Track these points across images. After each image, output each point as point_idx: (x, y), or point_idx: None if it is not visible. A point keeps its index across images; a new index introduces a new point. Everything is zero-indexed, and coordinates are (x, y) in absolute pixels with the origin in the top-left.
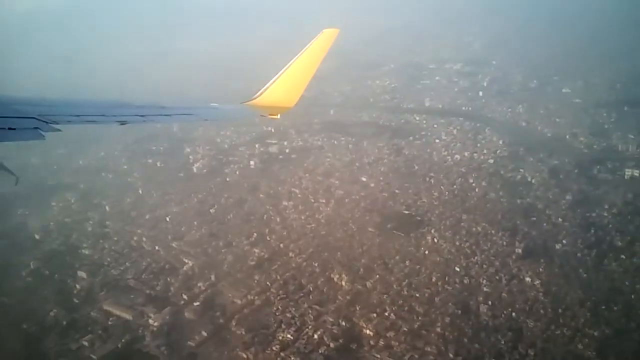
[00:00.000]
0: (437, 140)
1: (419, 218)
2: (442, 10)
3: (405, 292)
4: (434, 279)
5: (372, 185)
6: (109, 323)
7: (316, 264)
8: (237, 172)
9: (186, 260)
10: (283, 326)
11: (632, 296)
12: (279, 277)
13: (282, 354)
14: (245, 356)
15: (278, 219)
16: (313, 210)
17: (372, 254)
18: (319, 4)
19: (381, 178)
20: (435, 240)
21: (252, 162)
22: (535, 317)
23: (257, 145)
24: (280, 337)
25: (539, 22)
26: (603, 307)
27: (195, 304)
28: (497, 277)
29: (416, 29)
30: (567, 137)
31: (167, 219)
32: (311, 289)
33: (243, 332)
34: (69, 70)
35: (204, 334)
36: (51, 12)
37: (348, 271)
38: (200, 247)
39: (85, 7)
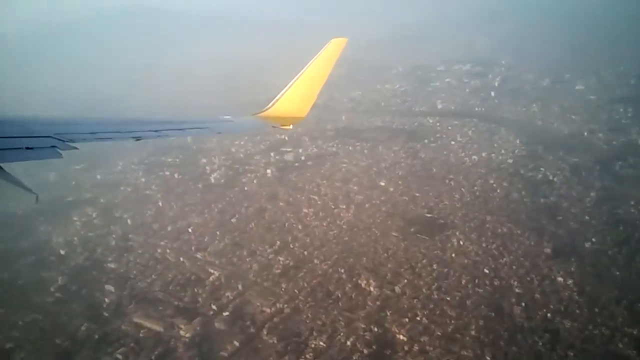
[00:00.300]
0: (453, 142)
1: (442, 221)
2: (446, 11)
3: (436, 296)
4: (463, 282)
5: (392, 189)
6: (141, 335)
7: (342, 270)
8: (255, 181)
9: (212, 271)
10: (315, 334)
11: None
12: (306, 285)
13: None
14: None
15: (300, 227)
16: (334, 217)
17: (398, 259)
18: (323, 10)
19: (400, 182)
20: (461, 242)
21: (268, 171)
22: (572, 317)
23: (272, 154)
24: (313, 345)
25: (545, 21)
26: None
27: (225, 313)
28: (528, 278)
29: (421, 31)
30: (585, 134)
31: (189, 230)
32: (339, 295)
33: (275, 341)
34: (78, 82)
35: (236, 343)
36: (55, 26)
37: (375, 276)
38: (225, 257)
39: (87, 21)
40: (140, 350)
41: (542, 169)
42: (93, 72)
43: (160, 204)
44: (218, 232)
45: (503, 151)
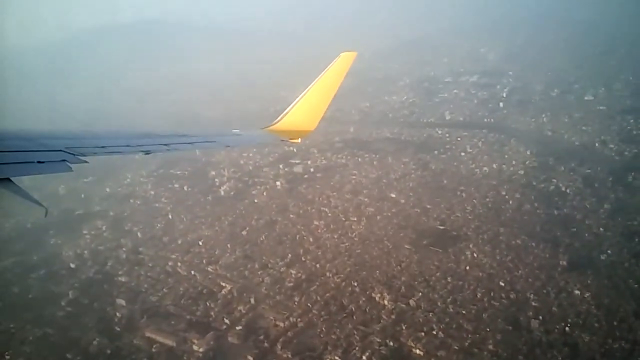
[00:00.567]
0: (463, 154)
1: (455, 233)
2: (452, 23)
3: (451, 310)
4: (479, 295)
5: (403, 201)
6: (153, 350)
7: (355, 284)
8: (265, 194)
9: (223, 284)
10: (329, 348)
11: None
12: (319, 298)
13: None
14: None
15: (311, 239)
16: (345, 229)
17: (412, 272)
18: (327, 23)
19: (411, 194)
20: (475, 255)
21: (278, 183)
22: (591, 331)
23: (281, 166)
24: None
25: (551, 32)
26: None
27: (238, 328)
28: (545, 291)
29: (427, 43)
30: (597, 144)
31: (200, 243)
32: (353, 309)
33: (289, 356)
34: (85, 96)
35: (250, 358)
36: (61, 41)
37: (389, 290)
38: (236, 270)
39: (92, 36)
40: None
41: (554, 180)
42: (99, 86)
43: (170, 216)
44: (229, 245)
45: (514, 162)
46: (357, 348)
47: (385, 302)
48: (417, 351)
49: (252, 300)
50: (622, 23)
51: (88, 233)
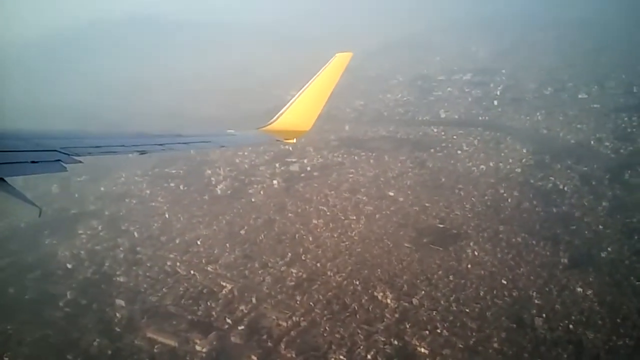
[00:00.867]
0: (459, 152)
1: (455, 231)
2: (442, 21)
3: (454, 308)
4: (481, 293)
5: (401, 199)
6: (155, 351)
7: (357, 282)
8: (262, 192)
9: (224, 284)
10: (334, 347)
11: None
12: (321, 297)
13: None
14: None
15: (310, 238)
16: (345, 228)
17: (413, 270)
18: (320, 21)
19: (409, 192)
20: (476, 253)
21: (274, 182)
22: (594, 328)
23: (277, 165)
24: (333, 359)
25: (543, 30)
26: None
27: (240, 327)
28: (547, 289)
29: (418, 41)
30: (592, 142)
31: (198, 242)
32: (356, 308)
33: (293, 355)
34: (79, 94)
35: (254, 358)
36: (56, 38)
37: (391, 288)
38: (236, 269)
39: (87, 33)
40: None
41: (551, 178)
42: (94, 84)
43: (166, 215)
44: (228, 245)
45: (511, 160)
46: (361, 347)
47: (388, 301)
48: (422, 350)
49: (254, 300)
50: (614, 21)
51: (84, 233)
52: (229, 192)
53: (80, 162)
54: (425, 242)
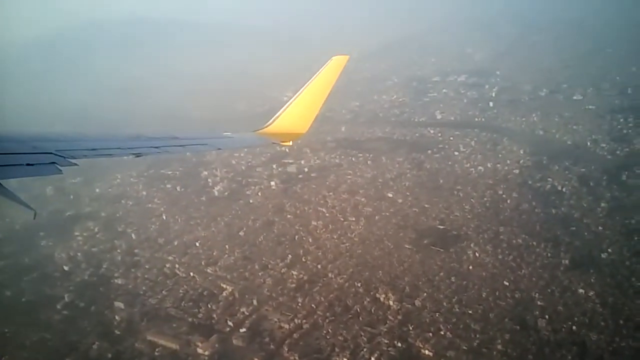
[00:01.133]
0: (457, 153)
1: (455, 232)
2: (436, 22)
3: (457, 310)
4: (484, 295)
5: (400, 201)
6: (156, 354)
7: (359, 284)
8: (259, 194)
9: (224, 286)
10: (337, 350)
11: None
12: (323, 299)
13: None
14: None
15: (310, 240)
16: (344, 229)
17: (415, 272)
18: (315, 22)
19: (408, 193)
20: (477, 254)
21: (272, 183)
22: (597, 329)
23: (274, 166)
24: None
25: (537, 31)
26: None
27: (242, 330)
28: (549, 290)
29: (413, 43)
30: (589, 144)
31: (197, 244)
32: (358, 310)
33: (297, 358)
34: (74, 94)
35: None
36: (52, 38)
37: (393, 290)
38: (236, 271)
39: (83, 33)
40: None
41: (549, 179)
42: (93, 83)
43: (164, 217)
44: (227, 246)
45: (508, 161)
46: (365, 349)
47: (391, 303)
48: (426, 352)
49: (255, 302)
50: (608, 23)
51: (80, 235)
52: (226, 193)
53: (76, 164)
54: (425, 243)
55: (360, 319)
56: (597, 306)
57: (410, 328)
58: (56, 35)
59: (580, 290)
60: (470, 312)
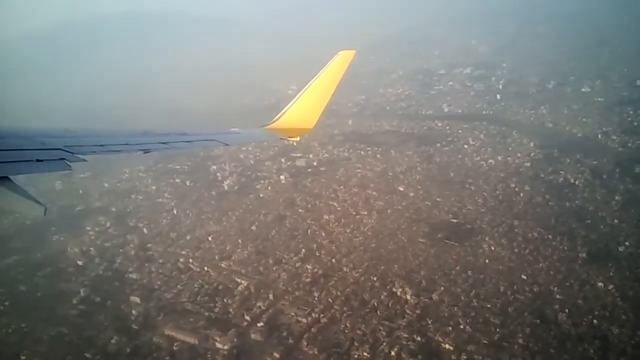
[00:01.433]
0: (466, 146)
1: (469, 226)
2: (440, 14)
3: (476, 304)
4: (502, 289)
5: (412, 194)
6: (175, 349)
7: (374, 278)
8: (269, 188)
9: (239, 280)
10: (356, 344)
11: None
12: (339, 293)
13: None
14: None
15: (323, 234)
16: (357, 223)
17: (431, 265)
18: (322, 14)
19: (419, 187)
20: (493, 248)
21: (282, 177)
22: (619, 323)
23: (282, 160)
24: (356, 356)
25: (542, 23)
26: None
27: (259, 324)
28: (568, 284)
29: (417, 35)
30: (599, 136)
31: (209, 238)
32: (376, 304)
33: (316, 352)
34: (79, 90)
35: (276, 355)
36: (54, 32)
37: (410, 284)
38: (251, 265)
39: (85, 27)
40: None
41: (562, 172)
42: (94, 79)
43: (175, 212)
44: (240, 241)
45: (519, 154)
46: (384, 344)
47: (408, 297)
48: (447, 346)
49: (271, 296)
50: (614, 14)
51: (92, 229)
52: (236, 187)
53: (85, 160)
54: (439, 237)
55: (378, 313)
56: (617, 300)
57: (429, 322)
58: (61, 29)
59: (600, 284)
60: (488, 306)
